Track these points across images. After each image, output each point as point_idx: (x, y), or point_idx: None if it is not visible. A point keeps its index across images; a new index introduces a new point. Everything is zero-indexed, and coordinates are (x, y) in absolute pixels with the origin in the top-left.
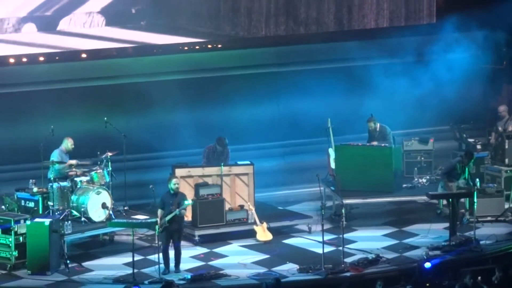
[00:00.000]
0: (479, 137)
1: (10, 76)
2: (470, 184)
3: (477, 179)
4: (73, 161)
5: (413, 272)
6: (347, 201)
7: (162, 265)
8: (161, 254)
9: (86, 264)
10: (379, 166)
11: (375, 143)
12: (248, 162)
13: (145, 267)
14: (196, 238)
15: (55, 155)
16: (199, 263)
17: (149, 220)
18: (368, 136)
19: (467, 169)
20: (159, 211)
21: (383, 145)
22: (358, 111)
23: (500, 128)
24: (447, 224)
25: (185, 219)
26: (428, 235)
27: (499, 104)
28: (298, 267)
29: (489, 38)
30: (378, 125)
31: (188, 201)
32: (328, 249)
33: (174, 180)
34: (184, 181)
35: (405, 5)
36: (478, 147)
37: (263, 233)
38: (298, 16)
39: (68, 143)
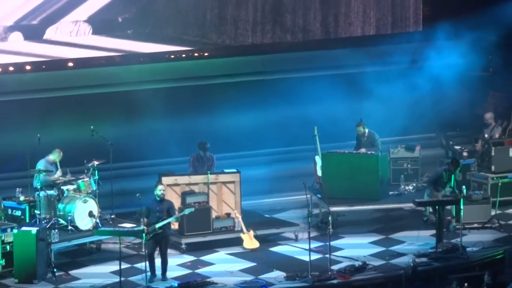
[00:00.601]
0: (465, 144)
1: None
2: (456, 192)
3: (464, 186)
4: (59, 175)
5: (400, 279)
6: (333, 209)
7: (149, 273)
8: (147, 262)
9: (73, 272)
10: (366, 173)
11: (363, 150)
12: (235, 170)
13: (132, 275)
14: (183, 246)
15: (41, 164)
16: (186, 271)
17: (136, 228)
18: (356, 141)
19: (453, 177)
20: (144, 220)
21: (369, 152)
22: (345, 119)
23: (486, 135)
24: (433, 231)
25: (172, 227)
26: (415, 243)
27: (486, 111)
28: (285, 275)
29: (475, 46)
30: (367, 130)
31: (191, 209)
32: (315, 256)
33: (160, 187)
34: (171, 189)
35: (392, 13)
36: (465, 154)
37: (250, 241)
38: (285, 24)
39: (58, 155)
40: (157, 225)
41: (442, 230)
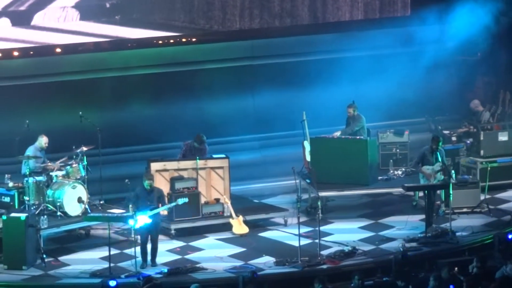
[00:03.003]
0: (454, 129)
1: None
2: (445, 165)
3: (453, 171)
4: (50, 166)
5: (389, 264)
6: (322, 194)
7: (138, 259)
8: (138, 248)
9: (62, 258)
10: (355, 158)
11: (336, 133)
12: (224, 156)
13: (121, 261)
14: (172, 231)
15: (30, 151)
16: (175, 257)
17: (125, 214)
18: (346, 123)
19: (438, 154)
20: (131, 206)
21: (358, 137)
22: (333, 104)
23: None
24: (423, 216)
25: (162, 213)
26: (405, 227)
27: (474, 96)
28: (274, 260)
29: (463, 30)
30: (356, 113)
31: (185, 199)
32: (304, 241)
33: (148, 182)
34: (160, 175)
35: None
36: (453, 138)
37: (239, 226)
38: (272, 9)
39: (42, 141)
40: (149, 215)
41: (432, 214)
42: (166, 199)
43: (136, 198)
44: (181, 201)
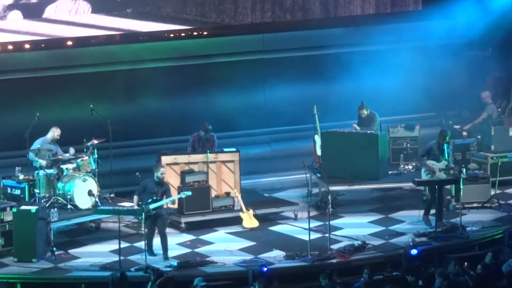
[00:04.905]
0: (465, 124)
1: None
2: (450, 165)
3: (463, 168)
4: (61, 157)
5: (399, 258)
6: (333, 188)
7: (148, 253)
8: (146, 241)
9: (73, 251)
10: (365, 152)
11: (356, 126)
12: (234, 149)
13: (131, 254)
14: (182, 225)
15: (38, 143)
16: (185, 250)
17: (135, 207)
18: (358, 122)
19: (445, 148)
20: (136, 197)
21: (368, 131)
22: (344, 98)
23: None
24: (433, 211)
25: (172, 206)
26: (415, 222)
27: (483, 90)
28: (284, 254)
29: (474, 25)
30: (368, 111)
31: (188, 192)
32: (314, 236)
33: (161, 170)
34: (170, 168)
35: None
36: (464, 133)
37: (249, 220)
38: (284, 3)
39: (54, 133)
40: (151, 206)
41: (442, 209)
42: (171, 193)
43: (143, 189)
44: (184, 194)
